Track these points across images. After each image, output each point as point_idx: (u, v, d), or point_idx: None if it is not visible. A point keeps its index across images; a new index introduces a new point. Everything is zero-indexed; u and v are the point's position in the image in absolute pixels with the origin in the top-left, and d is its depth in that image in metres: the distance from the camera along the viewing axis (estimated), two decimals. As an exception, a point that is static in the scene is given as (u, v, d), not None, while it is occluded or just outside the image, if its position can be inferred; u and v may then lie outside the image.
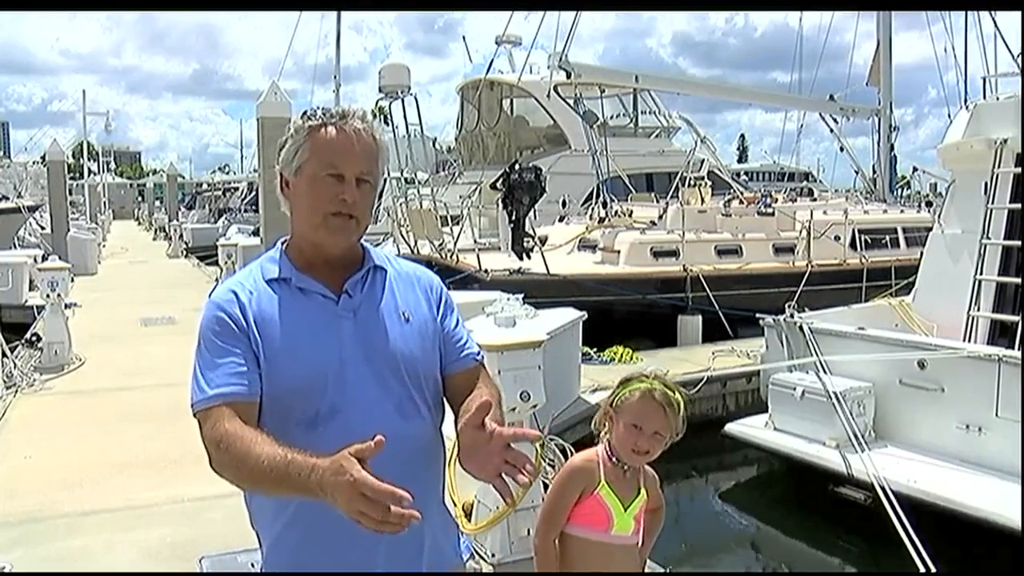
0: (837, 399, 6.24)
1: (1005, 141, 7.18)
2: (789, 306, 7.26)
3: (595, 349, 9.60)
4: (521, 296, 6.43)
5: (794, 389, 6.62)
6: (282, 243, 1.76)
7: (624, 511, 2.06)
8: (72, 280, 12.27)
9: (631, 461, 2.08)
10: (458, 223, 12.38)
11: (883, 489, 5.43)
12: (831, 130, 19.17)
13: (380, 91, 11.93)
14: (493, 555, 3.93)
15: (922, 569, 4.74)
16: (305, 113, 1.71)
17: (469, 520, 4.04)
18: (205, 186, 46.77)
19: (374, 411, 1.61)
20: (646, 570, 3.71)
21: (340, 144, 1.64)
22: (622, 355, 9.85)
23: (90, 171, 40.87)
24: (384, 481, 1.57)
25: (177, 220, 31.23)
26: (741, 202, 14.80)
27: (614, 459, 2.10)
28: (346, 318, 1.66)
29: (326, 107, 1.71)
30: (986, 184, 7.28)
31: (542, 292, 9.00)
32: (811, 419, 6.46)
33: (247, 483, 1.55)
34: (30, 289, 12.78)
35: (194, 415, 1.58)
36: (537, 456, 1.98)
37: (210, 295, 1.70)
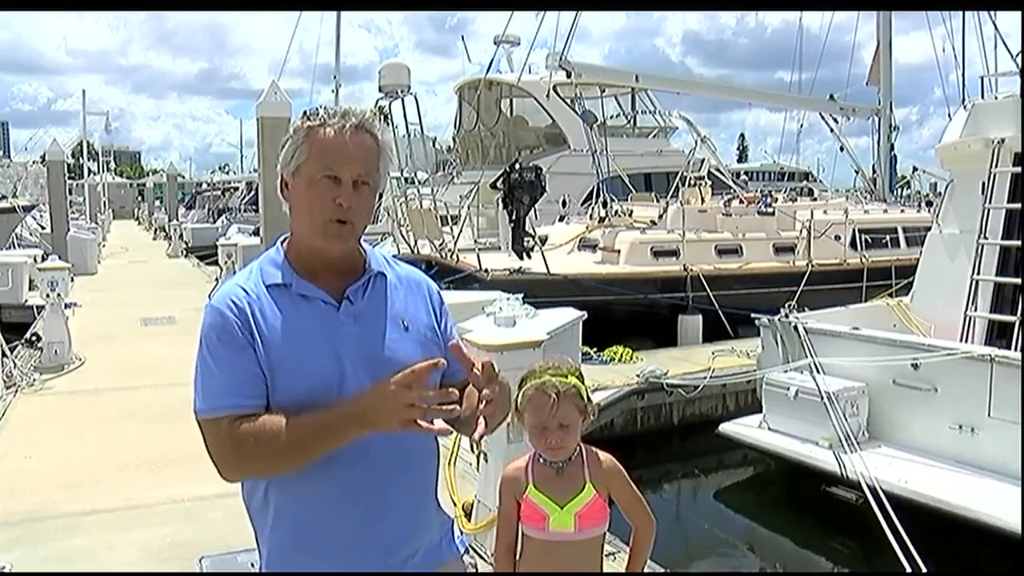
0: (830, 399, 6.23)
1: (1003, 141, 7.18)
2: (788, 306, 7.26)
3: (595, 349, 9.60)
4: (521, 296, 6.42)
5: (787, 389, 6.62)
6: (282, 242, 1.74)
7: (560, 508, 2.07)
8: (72, 280, 12.28)
9: (553, 457, 2.11)
10: (457, 223, 12.39)
11: (871, 489, 5.44)
12: (831, 130, 19.19)
13: (380, 91, 11.94)
14: (492, 554, 3.94)
15: (908, 569, 4.74)
16: (306, 113, 1.68)
17: (469, 520, 4.06)
18: (205, 186, 46.71)
19: None
20: (646, 570, 3.73)
21: (337, 145, 1.61)
22: (622, 355, 9.86)
23: (90, 171, 40.84)
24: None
25: (177, 220, 31.20)
26: (741, 202, 14.80)
27: (541, 459, 2.13)
28: (347, 324, 1.65)
29: (328, 106, 1.68)
30: (983, 184, 7.29)
31: (542, 292, 8.98)
32: (804, 419, 6.46)
33: (289, 453, 1.53)
34: (30, 289, 12.80)
35: (197, 420, 1.59)
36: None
37: (210, 297, 1.69)
